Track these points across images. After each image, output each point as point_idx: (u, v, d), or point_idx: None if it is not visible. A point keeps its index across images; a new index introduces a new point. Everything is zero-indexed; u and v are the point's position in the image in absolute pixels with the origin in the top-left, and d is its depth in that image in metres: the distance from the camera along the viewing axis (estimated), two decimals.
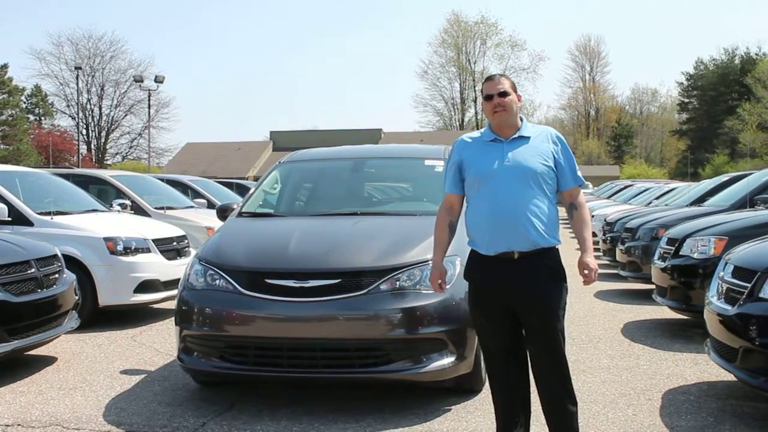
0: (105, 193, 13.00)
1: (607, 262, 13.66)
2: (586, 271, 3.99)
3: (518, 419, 4.21)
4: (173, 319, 5.73)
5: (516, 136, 4.09)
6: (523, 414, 4.23)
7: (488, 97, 4.08)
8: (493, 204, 4.01)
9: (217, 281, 5.46)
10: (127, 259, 8.79)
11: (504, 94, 4.06)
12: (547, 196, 4.03)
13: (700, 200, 12.54)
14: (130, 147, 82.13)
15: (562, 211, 4.17)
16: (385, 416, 5.20)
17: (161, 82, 50.40)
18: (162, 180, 15.49)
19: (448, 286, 5.24)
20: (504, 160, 4.03)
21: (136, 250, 8.93)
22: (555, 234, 4.05)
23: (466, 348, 5.28)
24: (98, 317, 8.68)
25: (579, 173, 4.17)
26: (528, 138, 4.09)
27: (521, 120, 4.15)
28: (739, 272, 5.34)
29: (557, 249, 4.10)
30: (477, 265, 4.15)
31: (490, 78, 4.16)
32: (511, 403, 4.20)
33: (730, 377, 5.59)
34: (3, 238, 6.91)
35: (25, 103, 74.86)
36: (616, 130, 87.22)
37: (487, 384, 5.81)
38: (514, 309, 4.05)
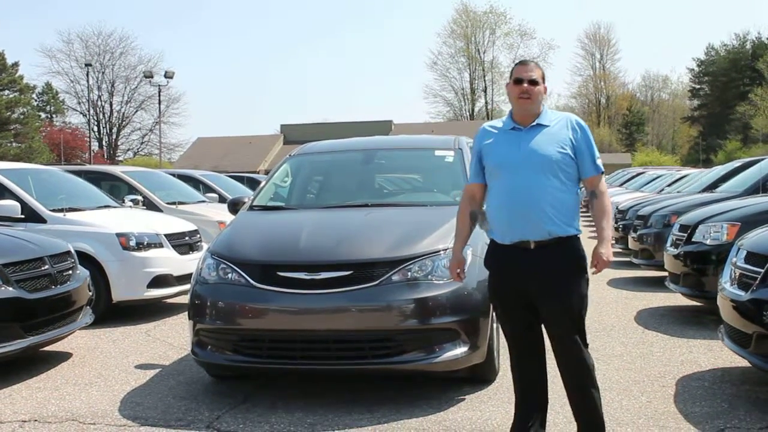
0: (117, 189, 13.05)
1: (620, 250, 13.62)
2: (596, 262, 3.95)
3: (536, 407, 4.19)
4: (186, 313, 5.75)
5: (534, 123, 4.04)
6: (542, 402, 4.21)
7: (518, 81, 4.01)
8: (509, 193, 3.99)
9: (230, 275, 5.47)
10: (140, 255, 8.83)
11: (534, 82, 4.00)
12: (565, 184, 3.97)
13: (712, 186, 12.51)
14: (142, 143, 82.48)
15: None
16: (399, 406, 5.21)
17: (171, 77, 50.49)
18: (173, 175, 15.52)
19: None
20: (520, 148, 4.00)
21: (149, 246, 8.96)
22: (572, 223, 3.99)
23: (479, 338, 5.28)
24: (112, 313, 8.72)
25: (599, 161, 4.09)
26: (546, 126, 4.03)
27: (542, 108, 4.09)
28: (752, 258, 5.33)
29: (577, 238, 4.02)
30: (495, 254, 4.13)
31: (523, 62, 4.11)
32: (531, 390, 4.19)
33: (744, 363, 5.58)
34: (16, 236, 6.95)
35: (36, 100, 75.22)
36: (627, 118, 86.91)
37: (500, 373, 5.84)
38: (532, 298, 4.02)
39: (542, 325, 4.13)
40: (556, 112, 4.17)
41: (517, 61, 4.22)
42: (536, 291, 3.99)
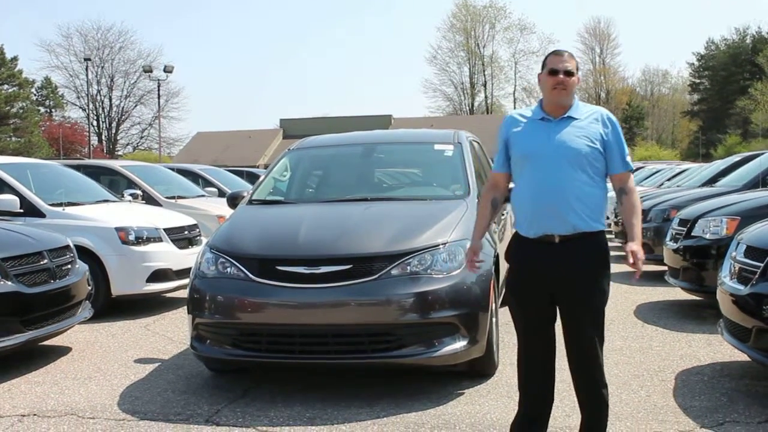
0: (116, 183, 13.04)
1: (619, 244, 13.62)
2: (631, 260, 3.79)
3: (541, 407, 4.14)
4: (186, 307, 5.75)
5: (565, 116, 3.93)
6: (547, 402, 4.15)
7: (553, 72, 3.91)
8: (534, 185, 3.90)
9: (229, 269, 5.47)
10: (139, 249, 8.82)
11: (569, 73, 3.90)
12: (592, 178, 3.87)
13: (712, 181, 12.50)
14: (141, 137, 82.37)
15: None
16: (398, 401, 5.21)
17: (170, 72, 50.38)
18: (173, 169, 15.51)
19: (458, 271, 5.26)
20: (549, 140, 3.89)
21: (148, 240, 8.96)
22: (598, 218, 3.89)
23: (478, 332, 5.28)
24: (111, 307, 8.72)
25: (629, 158, 3.98)
26: (576, 119, 3.93)
27: (574, 100, 3.99)
28: (752, 252, 5.32)
29: (603, 233, 3.94)
30: (519, 246, 4.03)
31: (557, 53, 3.99)
32: (537, 389, 4.11)
33: (743, 357, 5.58)
34: (15, 230, 6.95)
35: (35, 95, 75.09)
36: (627, 112, 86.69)
37: (499, 368, 5.85)
38: (552, 294, 3.93)
39: (555, 324, 4.03)
40: (588, 105, 4.05)
41: (550, 51, 4.10)
42: (558, 286, 3.90)
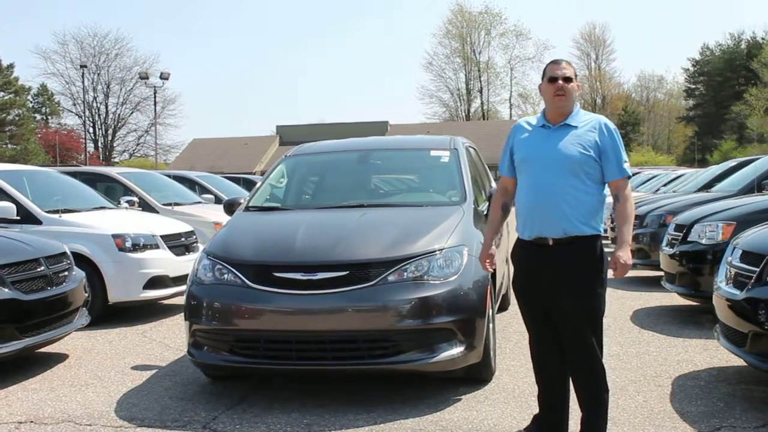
0: (112, 190, 13.03)
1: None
2: (614, 266, 4.02)
3: (558, 401, 4.28)
4: (183, 314, 5.75)
5: (562, 123, 4.12)
6: (563, 397, 4.28)
7: (552, 80, 4.10)
8: (530, 189, 4.10)
9: (226, 275, 5.47)
10: (136, 256, 8.81)
11: (568, 79, 4.09)
12: (586, 184, 4.04)
13: (707, 186, 12.52)
14: (137, 144, 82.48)
15: None
16: (395, 407, 5.21)
17: (167, 78, 50.47)
18: (169, 176, 15.52)
19: (454, 277, 5.28)
20: (545, 146, 4.08)
21: (145, 247, 8.94)
22: (590, 222, 4.04)
23: (475, 337, 5.28)
24: (108, 314, 8.70)
25: (626, 165, 4.13)
26: (574, 126, 4.11)
27: (576, 107, 4.18)
28: (748, 257, 5.33)
29: (596, 237, 4.08)
30: (519, 249, 4.24)
31: (555, 62, 4.20)
32: (551, 386, 4.28)
33: (740, 362, 5.59)
34: (12, 237, 6.94)
35: (31, 102, 75.19)
36: (622, 118, 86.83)
37: (496, 374, 5.85)
38: (550, 295, 4.08)
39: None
40: (588, 114, 4.23)
41: (549, 61, 4.30)
42: (553, 287, 4.05)
